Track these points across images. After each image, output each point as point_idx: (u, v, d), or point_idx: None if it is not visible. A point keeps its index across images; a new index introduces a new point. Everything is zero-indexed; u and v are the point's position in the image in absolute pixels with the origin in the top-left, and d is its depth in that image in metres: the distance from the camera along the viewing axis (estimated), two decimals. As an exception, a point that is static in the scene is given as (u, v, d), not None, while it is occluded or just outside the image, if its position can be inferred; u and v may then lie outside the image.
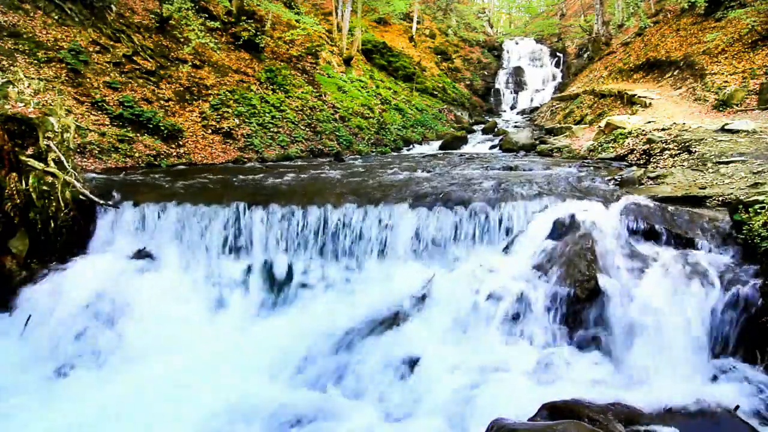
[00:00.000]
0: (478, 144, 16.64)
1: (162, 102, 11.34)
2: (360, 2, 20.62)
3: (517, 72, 27.70)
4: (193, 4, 13.50)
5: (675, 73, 14.19)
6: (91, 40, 10.83)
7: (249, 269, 5.91)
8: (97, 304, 5.32)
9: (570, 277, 4.69)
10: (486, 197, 6.16)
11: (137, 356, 4.94)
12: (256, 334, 5.31)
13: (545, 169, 8.83)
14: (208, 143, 11.58)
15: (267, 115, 13.52)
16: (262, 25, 16.02)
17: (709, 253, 4.63)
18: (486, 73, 28.08)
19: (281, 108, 14.19)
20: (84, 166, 8.41)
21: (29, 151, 5.67)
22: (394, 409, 4.13)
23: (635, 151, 9.37)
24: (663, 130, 9.36)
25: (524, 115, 23.28)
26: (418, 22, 27.18)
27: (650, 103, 12.41)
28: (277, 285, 5.82)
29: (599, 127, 11.97)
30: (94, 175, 7.97)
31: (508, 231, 5.71)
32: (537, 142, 13.74)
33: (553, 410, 3.29)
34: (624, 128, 10.60)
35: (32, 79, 8.08)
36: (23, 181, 5.56)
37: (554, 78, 26.97)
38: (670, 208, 5.29)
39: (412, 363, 4.47)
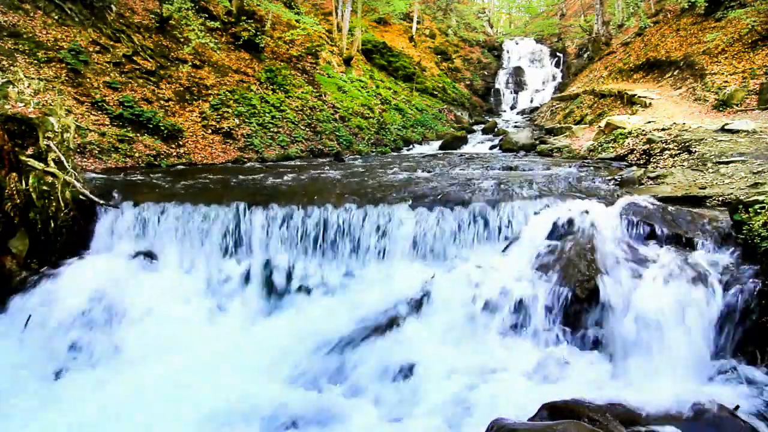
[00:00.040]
0: (478, 144, 16.64)
1: (162, 102, 11.34)
2: (360, 2, 20.62)
3: (517, 72, 27.71)
4: (193, 4, 13.50)
5: (675, 73, 14.19)
6: (91, 40, 10.83)
7: (249, 269, 5.90)
8: (97, 304, 5.32)
9: (570, 277, 4.69)
10: (486, 197, 6.16)
11: (137, 356, 4.95)
12: (256, 335, 5.31)
13: (545, 169, 8.83)
14: (208, 143, 11.58)
15: (267, 115, 13.51)
16: (262, 25, 16.02)
17: (709, 253, 4.62)
18: (486, 73, 28.08)
19: (281, 108, 14.19)
20: (84, 166, 8.42)
21: (29, 151, 5.67)
22: (393, 409, 4.13)
23: (635, 151, 9.37)
24: (663, 130, 9.35)
25: (524, 115, 23.28)
26: (418, 22, 27.18)
27: (650, 103, 12.41)
28: (277, 285, 5.81)
29: (599, 127, 11.98)
30: (94, 175, 7.98)
31: (508, 231, 5.70)
32: (537, 142, 13.74)
33: (553, 410, 3.28)
34: (624, 128, 10.60)
35: (32, 79, 8.08)
36: (23, 181, 5.55)
37: (554, 78, 26.99)
38: (670, 208, 5.29)
39: (412, 363, 4.47)
